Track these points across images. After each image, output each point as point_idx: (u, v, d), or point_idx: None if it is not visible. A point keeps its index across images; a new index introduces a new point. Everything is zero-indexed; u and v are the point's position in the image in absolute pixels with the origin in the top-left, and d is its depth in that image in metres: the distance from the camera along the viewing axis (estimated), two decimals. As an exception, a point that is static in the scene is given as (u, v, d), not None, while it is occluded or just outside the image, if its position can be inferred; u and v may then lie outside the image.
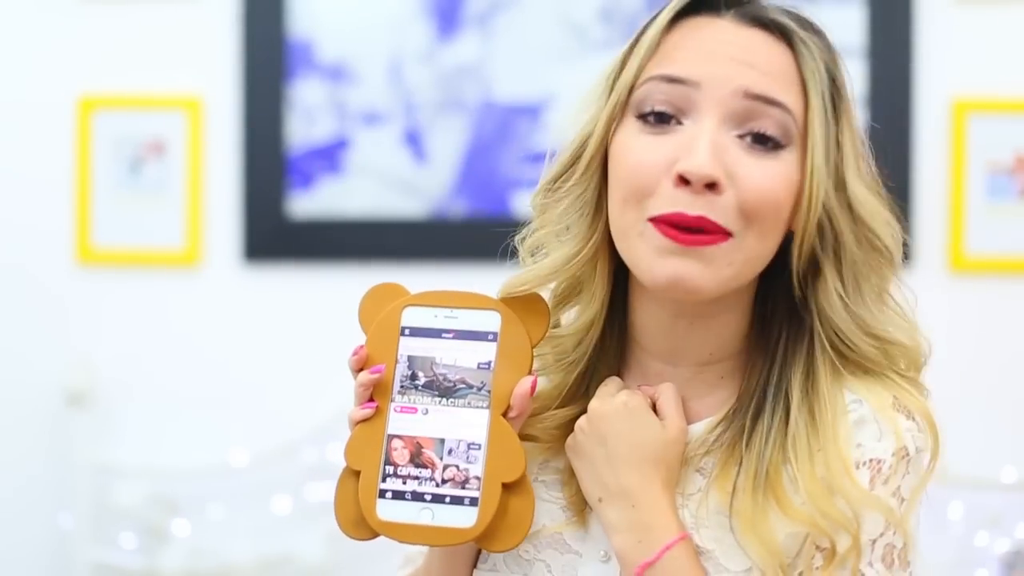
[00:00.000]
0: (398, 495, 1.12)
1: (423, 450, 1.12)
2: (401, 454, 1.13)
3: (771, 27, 1.13)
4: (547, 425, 1.19)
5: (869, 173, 1.16)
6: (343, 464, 1.14)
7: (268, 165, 2.58)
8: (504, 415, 1.13)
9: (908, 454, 1.11)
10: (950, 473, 2.22)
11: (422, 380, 1.14)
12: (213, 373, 2.59)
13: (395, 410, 1.14)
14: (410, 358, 1.15)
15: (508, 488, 1.11)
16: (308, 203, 2.59)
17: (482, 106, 2.56)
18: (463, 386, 1.14)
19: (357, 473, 1.13)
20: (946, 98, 2.50)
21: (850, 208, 1.12)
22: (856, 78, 2.48)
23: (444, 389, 1.14)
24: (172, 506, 2.56)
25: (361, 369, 1.14)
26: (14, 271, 2.62)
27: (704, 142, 1.08)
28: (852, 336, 1.13)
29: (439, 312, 1.15)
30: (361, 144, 2.59)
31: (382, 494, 1.12)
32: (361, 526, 1.13)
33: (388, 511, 1.12)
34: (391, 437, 1.13)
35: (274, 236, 2.59)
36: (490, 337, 1.14)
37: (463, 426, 1.13)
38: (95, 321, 2.61)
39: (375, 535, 1.13)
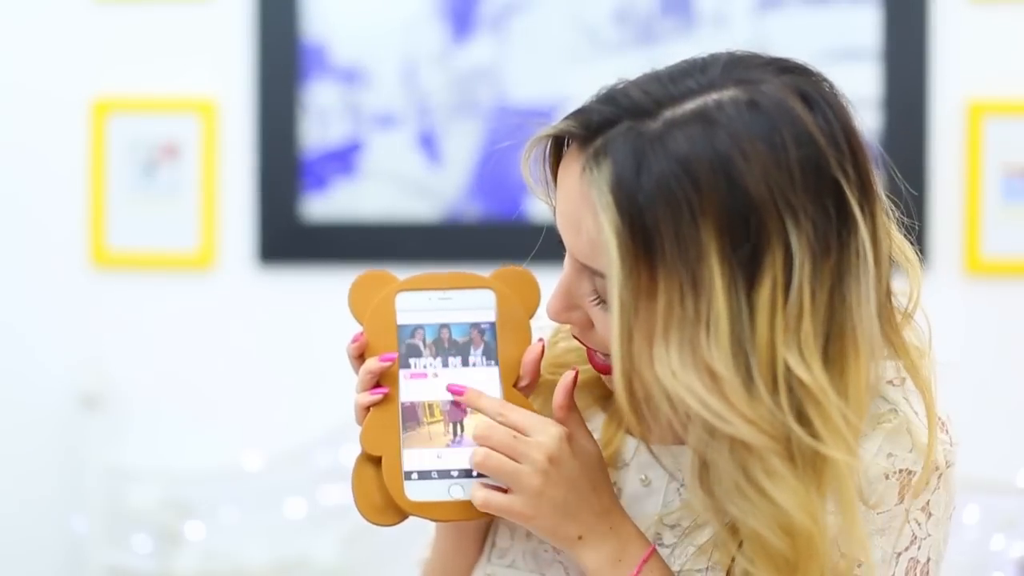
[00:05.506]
0: (424, 475, 1.11)
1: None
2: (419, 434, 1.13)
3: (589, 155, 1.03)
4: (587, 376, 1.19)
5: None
6: (357, 453, 1.14)
7: (282, 168, 2.58)
8: (514, 386, 1.14)
9: (939, 468, 1.10)
10: (966, 477, 2.21)
11: (426, 359, 1.15)
12: (227, 376, 2.59)
13: (406, 391, 1.14)
14: (409, 344, 1.15)
15: None
16: (322, 206, 2.59)
17: (496, 109, 2.56)
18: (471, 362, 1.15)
19: (375, 460, 1.13)
20: (961, 100, 2.49)
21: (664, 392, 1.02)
22: (871, 80, 2.50)
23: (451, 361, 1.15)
24: (186, 509, 2.56)
25: (360, 355, 1.15)
26: (28, 273, 2.62)
27: (558, 285, 1.09)
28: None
29: (432, 295, 1.16)
30: (375, 147, 2.58)
31: (408, 476, 1.11)
32: (386, 512, 1.12)
33: (417, 491, 1.11)
34: (405, 410, 1.13)
35: (288, 239, 2.59)
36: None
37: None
38: (109, 324, 2.61)
39: (401, 519, 1.13)
